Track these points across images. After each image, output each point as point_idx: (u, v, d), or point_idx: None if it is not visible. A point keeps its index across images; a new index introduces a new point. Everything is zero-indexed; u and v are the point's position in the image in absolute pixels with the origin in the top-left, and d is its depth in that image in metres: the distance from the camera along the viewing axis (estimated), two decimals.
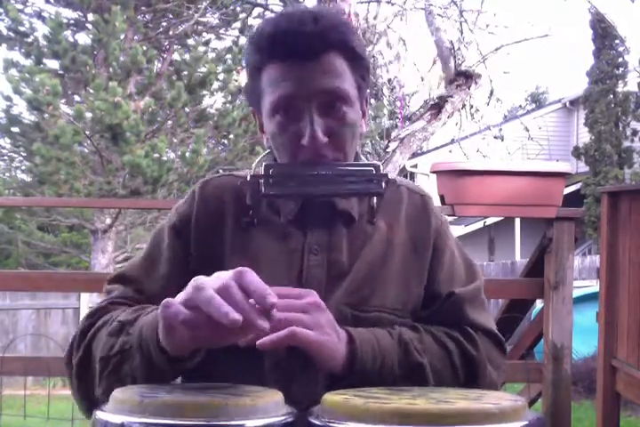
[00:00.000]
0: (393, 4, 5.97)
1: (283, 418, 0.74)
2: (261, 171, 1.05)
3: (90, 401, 1.00)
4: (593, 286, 7.43)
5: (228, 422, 0.72)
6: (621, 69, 13.94)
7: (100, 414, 0.74)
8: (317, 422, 0.72)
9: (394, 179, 1.08)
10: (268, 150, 1.15)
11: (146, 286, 1.08)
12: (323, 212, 1.10)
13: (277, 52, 1.04)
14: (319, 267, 1.07)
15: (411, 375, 1.00)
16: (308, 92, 1.03)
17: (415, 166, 13.49)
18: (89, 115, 9.44)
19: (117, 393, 0.78)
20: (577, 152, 13.99)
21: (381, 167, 1.07)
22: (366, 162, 1.11)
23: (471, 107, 5.83)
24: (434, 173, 3.13)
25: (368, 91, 1.15)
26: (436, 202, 3.08)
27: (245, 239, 1.09)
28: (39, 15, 11.05)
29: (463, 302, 1.09)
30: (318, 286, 1.03)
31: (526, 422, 0.72)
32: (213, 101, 11.14)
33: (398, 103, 8.45)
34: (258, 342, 0.87)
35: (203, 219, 1.10)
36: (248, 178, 1.05)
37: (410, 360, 1.01)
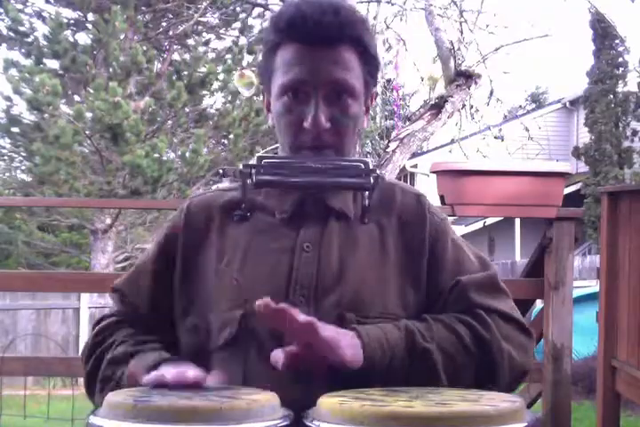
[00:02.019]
0: (393, 4, 5.96)
1: (278, 422, 0.74)
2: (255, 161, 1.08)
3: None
4: (593, 285, 7.40)
5: None
6: (621, 69, 13.91)
7: (93, 420, 0.74)
8: (313, 426, 0.72)
9: (382, 175, 1.09)
10: (272, 147, 1.18)
11: (132, 300, 1.15)
12: (317, 211, 1.10)
13: (294, 36, 1.07)
14: (310, 264, 1.06)
15: (419, 362, 0.99)
16: (318, 80, 1.07)
17: (415, 166, 13.47)
18: (89, 115, 9.44)
19: (111, 397, 0.77)
20: (577, 152, 13.96)
21: (370, 164, 1.09)
22: (356, 158, 1.13)
23: (471, 107, 5.81)
24: (434, 173, 3.12)
25: (375, 89, 1.18)
26: (436, 202, 3.10)
27: (236, 234, 1.10)
28: (39, 15, 11.04)
29: (469, 288, 1.07)
30: (309, 284, 1.03)
31: (525, 424, 0.71)
32: (213, 101, 11.16)
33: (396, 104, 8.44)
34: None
35: (190, 234, 1.13)
36: (241, 167, 1.08)
37: (415, 348, 1.00)
